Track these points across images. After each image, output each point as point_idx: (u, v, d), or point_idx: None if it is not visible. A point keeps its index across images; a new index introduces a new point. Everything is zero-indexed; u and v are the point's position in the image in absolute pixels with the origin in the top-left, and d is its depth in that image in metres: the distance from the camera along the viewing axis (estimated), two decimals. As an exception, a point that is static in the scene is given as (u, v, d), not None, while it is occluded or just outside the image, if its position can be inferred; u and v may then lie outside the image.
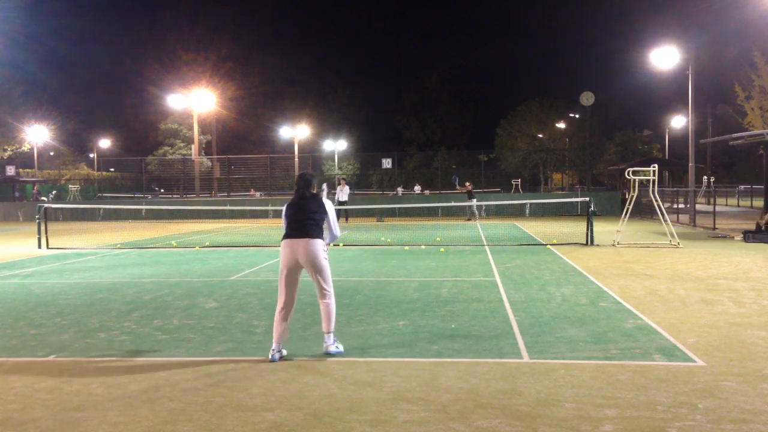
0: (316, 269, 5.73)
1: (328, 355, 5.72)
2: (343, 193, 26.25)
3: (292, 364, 5.55)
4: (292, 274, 5.76)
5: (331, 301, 5.83)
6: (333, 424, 4.19)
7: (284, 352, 5.76)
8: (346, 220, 26.34)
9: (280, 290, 5.79)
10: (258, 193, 40.37)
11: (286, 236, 5.81)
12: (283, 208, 5.99)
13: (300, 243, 5.71)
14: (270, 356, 5.66)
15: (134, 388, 5.00)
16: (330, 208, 6.03)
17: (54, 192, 43.51)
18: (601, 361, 5.48)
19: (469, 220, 26.41)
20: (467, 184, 27.59)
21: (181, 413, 4.43)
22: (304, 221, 5.80)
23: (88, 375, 5.35)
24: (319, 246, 5.76)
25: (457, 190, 29.05)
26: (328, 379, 5.13)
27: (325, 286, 5.79)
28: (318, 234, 5.82)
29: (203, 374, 5.31)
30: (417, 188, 43.90)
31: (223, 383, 5.07)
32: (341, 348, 5.82)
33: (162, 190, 43.36)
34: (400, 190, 42.26)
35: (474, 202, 26.77)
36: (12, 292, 9.64)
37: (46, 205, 18.61)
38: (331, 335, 5.82)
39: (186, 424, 4.23)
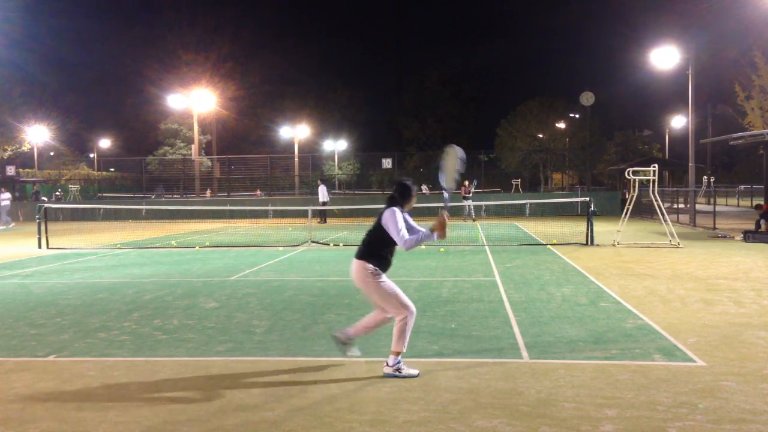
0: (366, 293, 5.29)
1: (386, 376, 5.13)
2: (323, 193, 26.43)
3: (292, 364, 5.55)
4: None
5: (397, 319, 5.18)
6: (333, 424, 4.19)
7: (357, 352, 5.46)
8: (325, 221, 26.48)
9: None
10: (258, 192, 40.37)
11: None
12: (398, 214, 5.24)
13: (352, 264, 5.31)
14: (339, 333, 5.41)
15: (134, 388, 5.00)
16: (387, 218, 5.23)
17: (59, 191, 43.39)
18: (601, 361, 5.48)
19: (466, 220, 26.36)
20: (465, 183, 27.37)
21: (181, 413, 4.43)
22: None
23: (88, 375, 5.35)
24: (362, 267, 5.23)
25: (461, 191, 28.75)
26: (328, 379, 5.13)
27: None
28: (363, 254, 5.27)
29: (203, 374, 5.31)
30: (424, 188, 43.74)
31: (223, 383, 5.07)
32: (403, 373, 5.11)
33: (163, 191, 43.28)
34: (425, 188, 41.86)
35: (468, 203, 26.60)
36: (12, 292, 9.64)
37: (46, 205, 18.60)
38: (392, 356, 5.17)
39: (186, 424, 4.23)
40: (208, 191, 41.68)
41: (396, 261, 5.45)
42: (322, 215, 26.59)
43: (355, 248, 5.47)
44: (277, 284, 10.02)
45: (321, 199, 26.28)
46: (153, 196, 39.22)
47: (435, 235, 5.12)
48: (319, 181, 27.41)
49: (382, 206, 5.34)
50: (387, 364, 5.16)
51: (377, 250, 5.23)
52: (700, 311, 7.55)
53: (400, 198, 5.31)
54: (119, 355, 5.98)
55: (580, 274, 10.59)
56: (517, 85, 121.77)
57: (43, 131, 49.72)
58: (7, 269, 12.55)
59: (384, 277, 5.21)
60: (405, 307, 5.15)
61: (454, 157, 5.45)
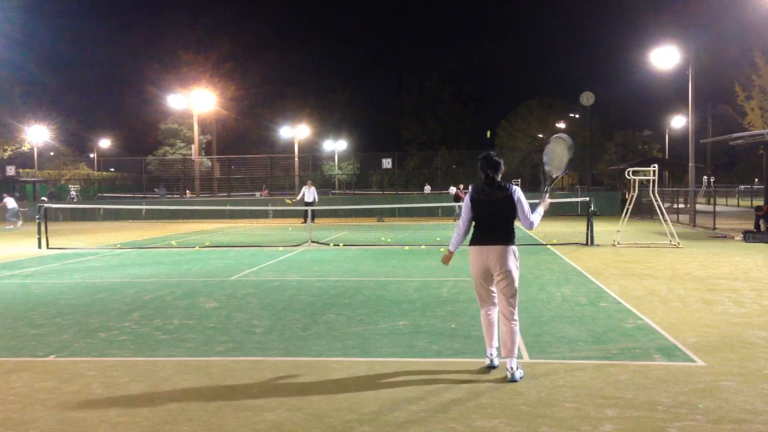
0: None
1: (512, 381, 4.96)
2: (310, 193, 26.43)
3: (293, 364, 5.55)
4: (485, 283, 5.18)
5: (515, 315, 5.18)
6: (333, 424, 4.19)
7: (496, 362, 5.25)
8: (312, 220, 26.47)
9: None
10: (258, 193, 40.36)
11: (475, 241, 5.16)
12: (466, 201, 5.22)
13: (492, 250, 5.07)
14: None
15: (134, 388, 4.99)
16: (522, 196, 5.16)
17: (77, 188, 43.15)
18: (601, 361, 5.48)
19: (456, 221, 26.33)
20: (460, 186, 27.23)
21: (181, 413, 4.43)
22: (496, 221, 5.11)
23: (88, 375, 5.34)
24: (513, 253, 5.12)
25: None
26: (328, 379, 5.13)
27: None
28: (511, 239, 5.15)
29: (203, 374, 5.31)
30: (427, 188, 43.65)
31: (223, 383, 5.07)
32: (521, 374, 5.04)
33: (166, 191, 43.17)
34: (428, 188, 41.80)
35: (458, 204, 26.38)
36: (12, 292, 9.64)
37: (46, 205, 18.60)
38: (513, 359, 5.05)
39: (186, 424, 4.23)
40: (188, 192, 41.56)
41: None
42: (305, 215, 26.67)
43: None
44: (277, 284, 10.02)
45: (307, 199, 26.30)
46: (158, 197, 39.16)
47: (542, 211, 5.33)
48: (309, 182, 27.41)
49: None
50: (513, 369, 4.99)
51: (514, 232, 5.19)
52: (700, 311, 7.55)
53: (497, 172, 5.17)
54: (119, 355, 5.98)
55: (580, 274, 10.59)
56: (517, 85, 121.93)
57: (43, 131, 49.70)
58: (7, 269, 12.55)
59: None
60: None
61: (563, 146, 5.52)
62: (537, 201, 5.56)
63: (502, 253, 5.05)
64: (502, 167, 5.17)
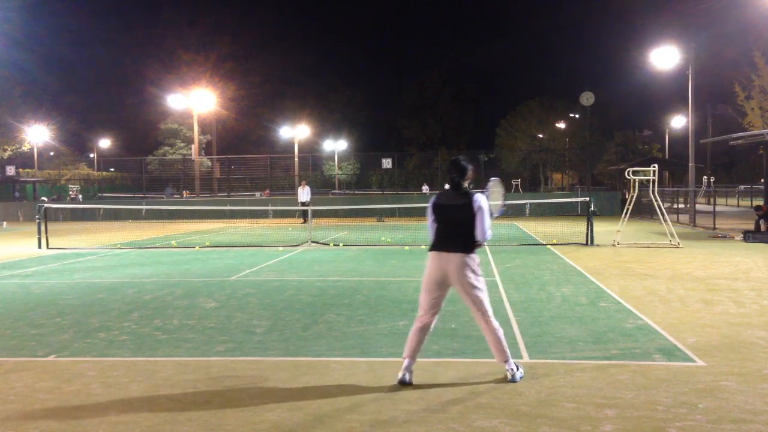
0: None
1: (513, 381, 4.93)
2: (305, 193, 26.42)
3: (293, 364, 5.55)
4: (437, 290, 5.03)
5: (493, 319, 5.08)
6: (333, 424, 4.19)
7: (408, 378, 4.97)
8: (305, 220, 26.44)
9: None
10: (259, 193, 40.36)
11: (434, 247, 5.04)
12: (429, 206, 5.12)
13: (450, 257, 4.94)
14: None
15: (134, 388, 4.99)
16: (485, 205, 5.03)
17: (77, 188, 43.19)
18: (601, 361, 5.48)
19: None
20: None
21: (181, 413, 4.43)
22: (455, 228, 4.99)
23: (88, 375, 5.34)
24: (472, 261, 4.99)
25: None
26: (328, 379, 5.13)
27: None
28: (469, 247, 4.99)
29: (203, 374, 5.31)
30: (425, 188, 43.62)
31: (223, 383, 5.07)
32: (521, 374, 5.02)
33: (172, 191, 43.04)
34: (426, 188, 41.78)
35: None
36: (12, 292, 9.64)
37: (46, 205, 18.60)
38: (510, 362, 5.00)
39: (186, 424, 4.23)
40: (185, 192, 41.51)
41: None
42: (304, 215, 26.70)
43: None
44: (277, 284, 10.02)
45: (302, 199, 26.28)
46: (163, 197, 39.11)
47: None
48: (303, 182, 27.42)
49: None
50: (513, 370, 4.95)
51: (474, 240, 5.01)
52: (700, 311, 7.55)
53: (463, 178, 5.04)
54: (119, 355, 5.98)
55: (580, 274, 10.59)
56: (517, 85, 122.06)
57: (43, 131, 49.72)
58: (7, 269, 12.55)
59: None
60: None
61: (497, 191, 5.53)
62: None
63: (460, 265, 4.90)
64: (470, 173, 5.04)
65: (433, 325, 5.11)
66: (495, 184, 5.60)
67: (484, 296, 5.01)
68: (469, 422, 4.17)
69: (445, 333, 6.56)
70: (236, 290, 9.49)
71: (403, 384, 4.90)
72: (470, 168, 5.05)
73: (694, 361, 5.46)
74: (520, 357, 5.65)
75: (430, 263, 5.04)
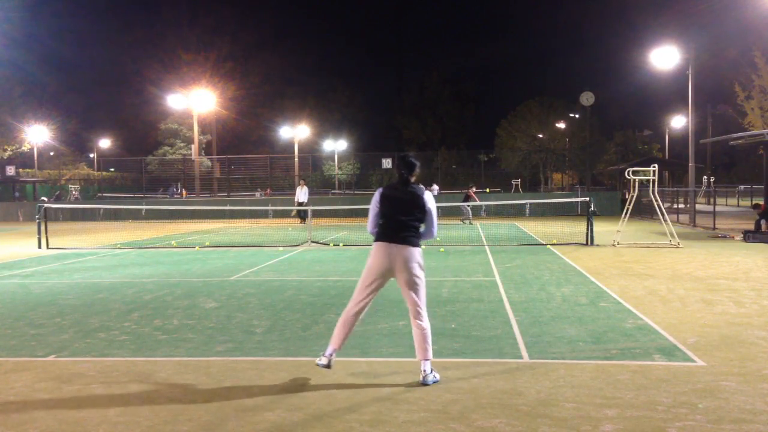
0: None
1: (424, 384, 4.91)
2: (303, 193, 26.38)
3: (293, 364, 5.55)
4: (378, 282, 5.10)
5: (425, 319, 5.09)
6: (333, 424, 4.19)
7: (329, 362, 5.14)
8: (304, 220, 26.39)
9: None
10: (259, 193, 40.34)
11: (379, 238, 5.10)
12: (377, 197, 5.19)
13: (397, 249, 4.99)
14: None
15: (134, 388, 4.99)
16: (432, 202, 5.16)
17: (77, 188, 43.20)
18: (601, 361, 5.48)
19: (464, 221, 26.24)
20: (473, 189, 27.13)
21: (181, 413, 4.43)
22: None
23: (88, 375, 5.34)
24: (419, 255, 5.05)
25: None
26: (328, 379, 5.13)
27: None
28: (416, 240, 5.06)
29: (203, 374, 5.31)
30: (435, 188, 43.27)
31: (223, 383, 5.07)
32: (435, 378, 4.97)
33: (175, 191, 42.99)
34: (436, 187, 41.51)
35: (466, 204, 26.26)
36: (12, 292, 9.64)
37: (46, 205, 18.60)
38: (427, 362, 4.99)
39: (186, 424, 4.23)
40: (184, 192, 41.47)
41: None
42: (301, 215, 26.71)
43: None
44: (277, 284, 10.02)
45: (300, 199, 26.22)
46: (167, 196, 39.09)
47: None
48: (302, 181, 27.36)
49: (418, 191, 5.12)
50: (426, 372, 4.94)
51: (419, 235, 5.12)
52: (700, 311, 7.55)
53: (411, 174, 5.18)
54: (119, 355, 5.98)
55: (580, 274, 10.59)
56: (517, 85, 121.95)
57: (43, 131, 49.71)
58: (7, 269, 12.55)
59: None
60: None
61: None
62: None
63: (408, 256, 4.97)
64: (417, 170, 5.15)
65: (362, 316, 5.16)
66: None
67: (423, 291, 5.10)
68: (469, 422, 4.17)
69: (445, 333, 6.56)
70: (236, 290, 9.49)
71: (325, 366, 5.07)
72: (418, 165, 5.19)
73: (694, 361, 5.46)
74: (521, 357, 5.65)
75: (376, 253, 5.09)
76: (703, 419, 4.16)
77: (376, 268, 5.06)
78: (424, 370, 4.95)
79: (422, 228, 5.16)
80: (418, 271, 5.02)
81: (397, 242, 5.01)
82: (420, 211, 5.06)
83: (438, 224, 5.30)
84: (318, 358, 5.17)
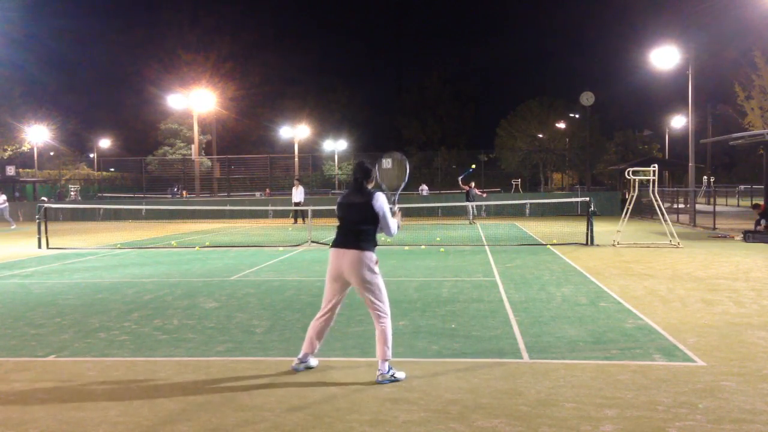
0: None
1: (379, 383, 4.95)
2: (298, 193, 26.37)
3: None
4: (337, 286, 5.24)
5: (387, 319, 5.18)
6: (333, 424, 4.19)
7: (301, 367, 5.31)
8: (301, 221, 26.34)
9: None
10: (258, 193, 40.32)
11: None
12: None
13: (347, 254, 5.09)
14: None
15: (134, 388, 5.00)
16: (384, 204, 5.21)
17: (77, 188, 43.22)
18: (601, 361, 5.48)
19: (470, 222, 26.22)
20: (472, 184, 27.11)
21: (181, 413, 4.43)
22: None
23: (88, 375, 5.35)
24: (368, 258, 5.10)
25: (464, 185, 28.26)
26: (328, 379, 5.13)
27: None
28: (365, 244, 5.11)
29: (203, 374, 5.31)
30: (424, 188, 43.43)
31: (223, 383, 5.07)
32: (401, 376, 5.02)
33: (177, 191, 42.96)
34: (425, 188, 41.57)
35: (470, 204, 26.25)
36: (12, 292, 9.64)
37: (46, 205, 18.60)
38: (387, 363, 5.04)
39: (186, 424, 4.23)
40: (184, 192, 41.44)
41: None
42: (296, 215, 26.69)
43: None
44: (277, 284, 10.02)
45: (296, 199, 26.21)
46: (169, 196, 39.07)
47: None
48: (296, 182, 27.35)
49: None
50: (384, 372, 4.98)
51: (374, 237, 5.22)
52: (700, 311, 7.55)
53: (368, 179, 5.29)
54: (119, 355, 5.98)
55: (580, 274, 10.59)
56: (517, 85, 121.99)
57: (43, 131, 49.69)
58: (7, 269, 12.55)
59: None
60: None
61: (396, 165, 5.79)
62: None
63: (356, 261, 5.04)
64: (374, 175, 5.29)
65: (332, 323, 5.36)
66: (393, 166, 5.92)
67: (380, 294, 5.14)
68: (469, 422, 4.17)
69: (445, 333, 6.56)
70: (236, 290, 9.49)
71: (297, 370, 5.26)
72: (374, 170, 5.33)
73: (694, 361, 5.46)
74: (521, 357, 5.65)
75: (329, 259, 5.25)
76: (703, 419, 4.16)
77: (330, 274, 5.26)
78: (380, 370, 5.00)
79: (378, 230, 5.19)
80: (368, 275, 5.07)
81: (346, 247, 5.11)
82: (372, 215, 5.11)
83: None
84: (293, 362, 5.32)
